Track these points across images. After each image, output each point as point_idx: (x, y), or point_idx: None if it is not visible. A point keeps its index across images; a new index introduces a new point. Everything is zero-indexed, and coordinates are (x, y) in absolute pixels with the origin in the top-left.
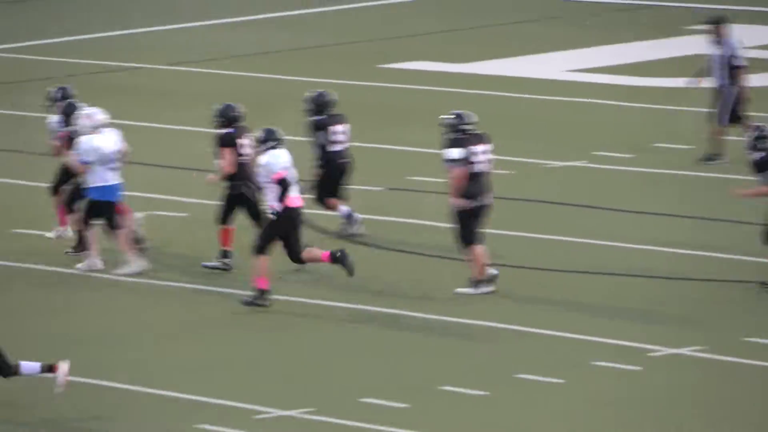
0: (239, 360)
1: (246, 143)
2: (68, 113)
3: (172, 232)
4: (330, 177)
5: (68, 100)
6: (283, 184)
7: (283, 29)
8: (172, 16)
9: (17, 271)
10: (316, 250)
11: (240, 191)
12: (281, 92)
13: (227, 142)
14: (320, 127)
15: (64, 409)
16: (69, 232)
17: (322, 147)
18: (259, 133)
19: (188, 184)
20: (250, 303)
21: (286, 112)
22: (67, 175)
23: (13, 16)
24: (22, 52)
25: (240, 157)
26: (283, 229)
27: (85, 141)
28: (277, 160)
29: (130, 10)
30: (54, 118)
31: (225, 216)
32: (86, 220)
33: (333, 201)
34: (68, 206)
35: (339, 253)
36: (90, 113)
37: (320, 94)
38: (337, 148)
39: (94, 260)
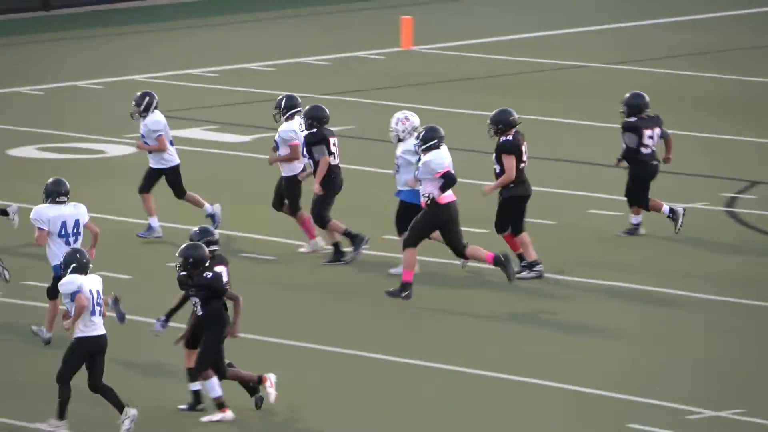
0: (663, 360)
1: (525, 149)
2: (313, 117)
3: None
4: (638, 179)
5: (314, 106)
6: (448, 179)
7: (721, 29)
8: (613, 16)
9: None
10: (481, 249)
11: (518, 196)
12: (721, 92)
13: (511, 148)
14: (631, 130)
15: (497, 409)
16: (322, 242)
17: (633, 149)
18: (422, 131)
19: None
20: (393, 294)
21: (733, 115)
22: (289, 187)
23: (456, 15)
24: (463, 50)
25: (521, 163)
26: (433, 224)
27: (411, 143)
28: (441, 159)
29: (564, 10)
30: (290, 125)
31: (505, 224)
32: (400, 224)
33: (655, 202)
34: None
35: (503, 257)
36: (408, 116)
37: (634, 96)
38: (647, 151)
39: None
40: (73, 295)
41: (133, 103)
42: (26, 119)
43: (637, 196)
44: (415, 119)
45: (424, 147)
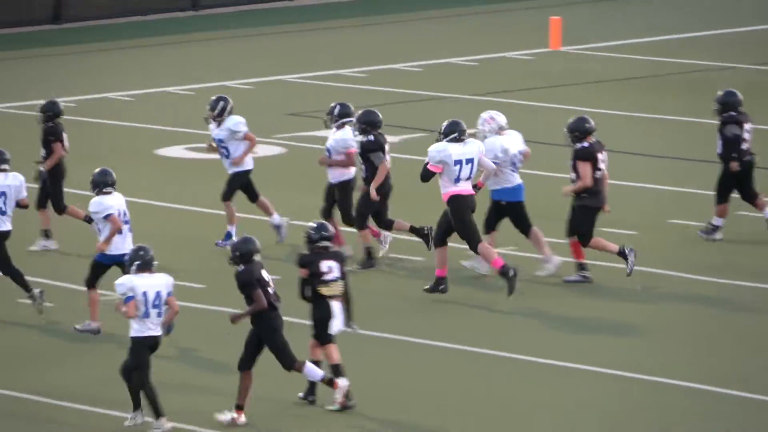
0: None
1: (602, 158)
2: (367, 122)
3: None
4: (735, 173)
5: (367, 111)
6: (427, 175)
7: None
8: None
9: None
10: (493, 252)
11: (590, 207)
12: None
13: (585, 155)
14: (734, 122)
15: (623, 406)
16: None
17: (733, 143)
18: (445, 123)
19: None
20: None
21: None
22: (342, 193)
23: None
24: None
25: (596, 171)
26: (464, 215)
27: (490, 142)
28: (436, 153)
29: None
30: (343, 134)
31: (574, 230)
32: (491, 222)
33: (723, 208)
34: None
35: (512, 272)
36: (493, 115)
37: (727, 93)
38: (746, 145)
39: (552, 259)
40: (126, 298)
41: (208, 107)
42: (176, 119)
43: (725, 190)
44: (501, 119)
45: (443, 140)
